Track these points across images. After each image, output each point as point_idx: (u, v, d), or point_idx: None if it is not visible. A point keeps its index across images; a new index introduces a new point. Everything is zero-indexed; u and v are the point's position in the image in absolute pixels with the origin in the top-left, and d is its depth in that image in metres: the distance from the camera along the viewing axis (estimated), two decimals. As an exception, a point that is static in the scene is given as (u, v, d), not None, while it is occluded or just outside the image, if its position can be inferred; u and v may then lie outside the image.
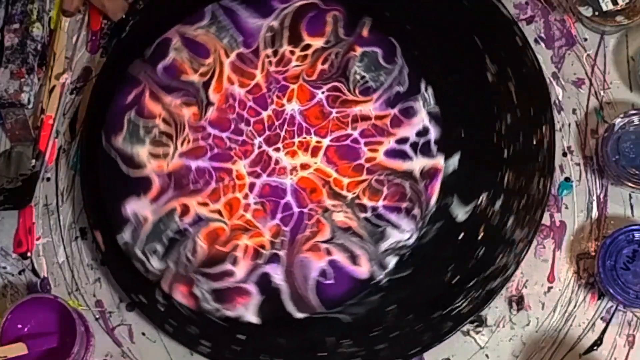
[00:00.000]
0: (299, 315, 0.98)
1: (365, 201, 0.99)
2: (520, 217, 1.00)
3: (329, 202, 0.99)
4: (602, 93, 1.04)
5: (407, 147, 0.99)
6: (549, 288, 1.00)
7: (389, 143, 1.00)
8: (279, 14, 1.04)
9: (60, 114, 1.10)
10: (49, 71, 1.11)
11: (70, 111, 1.10)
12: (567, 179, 1.02)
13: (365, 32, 1.02)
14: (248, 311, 0.98)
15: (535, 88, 1.03)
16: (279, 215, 1.00)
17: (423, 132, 0.99)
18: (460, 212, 1.00)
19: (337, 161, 1.00)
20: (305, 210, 1.00)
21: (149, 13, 1.10)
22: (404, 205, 0.98)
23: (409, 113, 1.00)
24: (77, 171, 1.08)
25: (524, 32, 1.04)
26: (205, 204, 1.01)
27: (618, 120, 0.99)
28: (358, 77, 1.01)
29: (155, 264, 1.00)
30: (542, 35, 1.06)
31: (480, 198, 1.00)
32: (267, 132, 1.02)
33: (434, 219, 0.99)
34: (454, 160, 1.00)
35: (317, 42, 1.03)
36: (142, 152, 1.03)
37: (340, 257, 0.98)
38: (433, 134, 0.99)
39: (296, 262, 0.98)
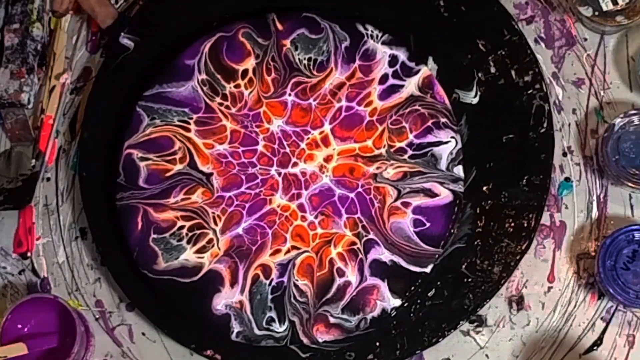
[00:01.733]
0: (428, 269, 1.00)
1: (398, 144, 1.02)
2: (515, 66, 1.04)
3: (371, 169, 1.02)
4: (602, 93, 1.04)
5: (392, 80, 1.03)
6: (549, 288, 1.00)
7: (376, 88, 1.03)
8: (199, 67, 1.04)
9: (60, 114, 1.10)
10: (49, 71, 1.11)
11: (70, 111, 1.10)
12: (567, 179, 1.02)
13: (279, 26, 1.04)
14: (386, 300, 0.99)
15: None
16: (343, 210, 1.01)
17: (392, 60, 1.04)
18: (471, 97, 1.04)
19: (349, 134, 1.03)
20: (360, 189, 1.01)
21: (93, 142, 1.08)
22: (430, 122, 1.02)
23: (369, 55, 1.04)
24: (77, 172, 1.08)
25: (524, 32, 1.05)
26: (277, 252, 1.01)
27: (618, 120, 0.99)
28: (305, 61, 1.04)
29: (280, 329, 1.00)
30: (542, 35, 1.06)
31: (476, 74, 1.04)
32: (275, 158, 1.03)
33: (459, 116, 1.03)
34: (431, 63, 1.05)
35: (250, 63, 1.04)
36: (189, 256, 1.01)
37: (418, 200, 1.01)
38: (402, 55, 1.04)
39: (389, 232, 1.00)
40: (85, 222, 1.06)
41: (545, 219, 1.01)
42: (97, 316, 1.04)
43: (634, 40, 1.04)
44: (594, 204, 1.01)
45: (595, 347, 0.99)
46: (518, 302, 1.00)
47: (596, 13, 1.02)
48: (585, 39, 1.05)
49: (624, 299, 0.96)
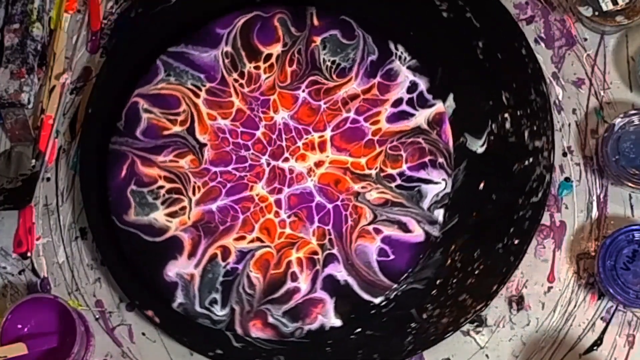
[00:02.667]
0: (377, 300, 0.99)
1: (390, 170, 1.01)
2: (532, 127, 1.02)
3: (357, 186, 1.01)
4: (602, 93, 1.04)
5: (404, 107, 1.02)
6: (549, 288, 1.00)
7: (387, 110, 1.02)
8: (227, 39, 1.04)
9: (60, 114, 1.10)
10: (49, 71, 1.11)
11: (70, 111, 1.10)
12: (567, 179, 1.02)
13: (316, 21, 1.04)
14: (327, 317, 0.99)
15: (490, 6, 1.05)
16: (316, 218, 1.01)
17: (412, 87, 1.02)
18: (478, 145, 1.02)
19: (346, 146, 1.02)
20: (338, 203, 1.01)
21: (107, 82, 1.09)
22: (427, 159, 1.01)
23: (391, 75, 1.02)
24: (77, 172, 1.08)
25: (524, 32, 1.04)
26: (242, 238, 1.01)
27: (618, 120, 0.99)
28: (329, 63, 1.03)
29: (219, 312, 1.00)
30: (542, 35, 1.06)
31: (490, 125, 1.03)
32: (269, 148, 1.03)
33: (457, 161, 1.01)
34: (450, 101, 1.03)
35: (276, 49, 1.04)
36: (159, 216, 1.02)
37: (390, 231, 0.99)
38: (422, 85, 1.02)
39: (353, 253, 0.99)
40: (85, 222, 1.06)
41: (545, 219, 1.01)
42: (97, 316, 1.04)
43: (634, 40, 1.04)
44: (594, 204, 1.01)
45: (595, 347, 0.99)
46: (518, 302, 1.00)
47: (596, 13, 1.02)
48: (585, 39, 1.05)
49: (624, 299, 0.96)
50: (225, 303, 1.00)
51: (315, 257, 1.00)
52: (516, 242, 1.00)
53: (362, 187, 1.00)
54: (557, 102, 1.04)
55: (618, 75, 1.04)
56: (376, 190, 1.00)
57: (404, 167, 1.01)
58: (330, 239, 1.00)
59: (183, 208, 1.02)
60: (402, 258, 0.99)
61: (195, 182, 1.02)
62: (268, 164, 1.02)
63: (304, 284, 0.99)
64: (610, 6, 1.02)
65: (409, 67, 1.02)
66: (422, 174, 1.00)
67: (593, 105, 1.04)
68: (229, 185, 1.02)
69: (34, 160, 1.08)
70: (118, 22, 1.12)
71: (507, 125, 1.03)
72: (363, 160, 1.01)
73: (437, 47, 1.05)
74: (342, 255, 0.99)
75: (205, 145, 1.03)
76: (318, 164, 1.02)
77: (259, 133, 1.03)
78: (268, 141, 1.03)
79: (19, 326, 1.00)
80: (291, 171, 1.02)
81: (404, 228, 0.99)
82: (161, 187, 1.02)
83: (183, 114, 1.04)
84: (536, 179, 1.01)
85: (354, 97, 1.02)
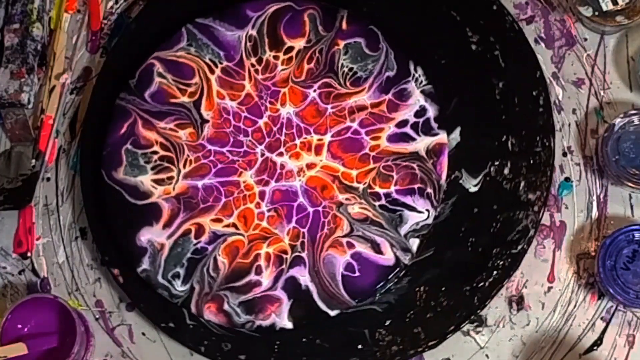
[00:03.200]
0: (333, 312, 0.98)
1: (377, 189, 1.00)
2: (530, 179, 1.01)
3: (341, 197, 1.00)
4: (602, 93, 1.04)
5: (408, 129, 1.01)
6: (549, 288, 1.00)
7: (390, 128, 1.01)
8: (255, 22, 1.04)
9: (60, 114, 1.10)
10: (49, 71, 1.11)
11: (70, 111, 1.10)
12: (567, 179, 1.02)
13: (344, 25, 1.03)
14: (280, 317, 0.98)
15: (520, 50, 1.04)
16: (294, 218, 1.00)
17: (421, 111, 1.01)
18: (472, 184, 1.01)
19: (342, 155, 1.01)
20: (320, 208, 1.00)
21: (128, 42, 1.09)
22: (417, 186, 0.99)
23: (403, 95, 1.01)
24: (77, 172, 1.08)
25: (524, 32, 1.04)
26: (218, 220, 1.01)
27: (618, 120, 0.99)
28: (346, 69, 1.02)
29: (179, 287, 1.00)
30: (542, 35, 1.06)
31: (488, 167, 1.02)
32: (267, 139, 1.02)
33: (447, 195, 1.00)
34: (456, 134, 1.02)
35: (299, 43, 1.04)
36: (146, 180, 1.03)
37: (363, 248, 0.99)
38: (431, 112, 1.01)
39: (320, 261, 0.99)
40: (85, 222, 1.06)
41: (545, 219, 1.01)
42: (97, 316, 1.04)
43: (634, 40, 1.04)
44: (594, 204, 1.01)
45: (595, 347, 0.99)
46: (518, 302, 1.00)
47: (596, 13, 1.02)
48: (585, 39, 1.05)
49: (624, 299, 0.96)
50: (186, 280, 1.00)
51: (284, 256, 0.99)
52: (484, 290, 0.99)
53: (347, 199, 1.00)
54: (557, 102, 1.04)
55: (618, 75, 1.04)
56: (359, 205, 1.00)
57: (392, 188, 1.00)
58: (302, 242, 0.99)
59: (170, 178, 1.02)
60: (367, 277, 0.98)
61: (188, 156, 1.03)
62: (262, 155, 1.02)
63: (266, 279, 0.99)
64: (610, 6, 1.02)
65: (422, 92, 1.01)
66: (407, 200, 0.99)
67: (593, 105, 1.04)
68: (219, 165, 1.02)
69: (34, 160, 1.08)
70: (118, 22, 1.12)
71: (506, 171, 1.01)
72: (354, 173, 1.01)
73: (456, 78, 1.04)
74: (310, 261, 0.99)
75: (207, 121, 1.03)
76: (310, 166, 1.01)
77: (261, 122, 1.03)
78: (268, 132, 1.03)
79: (19, 326, 1.00)
80: (282, 167, 1.02)
81: (377, 249, 0.99)
82: (155, 152, 1.03)
83: (194, 86, 1.04)
84: (520, 232, 1.00)
85: (361, 108, 1.02)
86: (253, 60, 1.04)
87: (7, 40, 1.09)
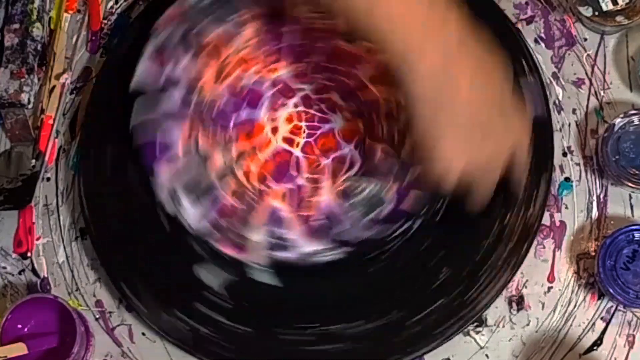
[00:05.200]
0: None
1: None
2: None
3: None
4: (602, 93, 1.04)
5: None
6: (549, 288, 1.00)
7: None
8: None
9: (60, 114, 1.10)
10: (49, 71, 1.11)
11: (70, 111, 1.10)
12: (567, 179, 1.02)
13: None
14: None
15: None
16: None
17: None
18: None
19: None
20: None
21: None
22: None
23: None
24: (77, 172, 1.08)
25: (524, 32, 1.04)
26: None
27: (618, 120, 0.99)
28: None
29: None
30: (542, 35, 1.06)
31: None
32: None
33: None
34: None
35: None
36: None
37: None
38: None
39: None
40: (84, 223, 1.06)
41: (545, 219, 1.01)
42: (97, 316, 1.04)
43: (634, 40, 1.04)
44: (594, 204, 1.01)
45: (595, 347, 0.99)
46: (518, 302, 1.00)
47: (596, 13, 1.02)
48: (585, 39, 1.05)
49: (624, 299, 0.96)
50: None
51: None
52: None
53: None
54: (557, 102, 1.04)
55: (618, 75, 1.04)
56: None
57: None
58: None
59: None
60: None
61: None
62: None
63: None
64: (610, 6, 1.02)
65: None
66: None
67: (593, 105, 1.04)
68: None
69: (34, 160, 1.08)
70: (118, 22, 1.12)
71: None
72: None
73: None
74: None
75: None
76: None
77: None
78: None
79: (19, 326, 1.00)
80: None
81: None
82: None
83: None
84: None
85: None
86: None
87: (7, 40, 1.09)
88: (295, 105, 1.03)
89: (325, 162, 1.01)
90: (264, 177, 1.01)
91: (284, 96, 1.03)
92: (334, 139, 1.02)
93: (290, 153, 1.02)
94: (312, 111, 1.03)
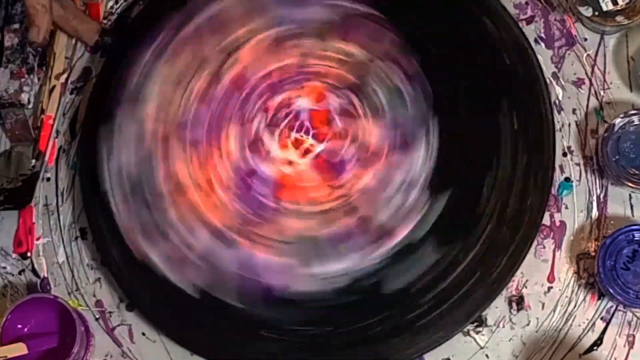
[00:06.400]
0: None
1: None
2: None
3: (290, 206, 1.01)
4: (602, 93, 1.04)
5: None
6: (549, 288, 1.00)
7: (367, 178, 1.00)
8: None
9: (60, 114, 1.10)
10: (49, 71, 1.11)
11: (70, 111, 1.10)
12: (567, 179, 1.02)
13: (407, 66, 1.01)
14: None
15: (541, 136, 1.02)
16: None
17: (406, 186, 0.99)
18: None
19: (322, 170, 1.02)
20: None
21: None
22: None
23: (408, 147, 1.00)
24: (77, 171, 1.08)
25: (524, 32, 1.04)
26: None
27: (618, 120, 0.99)
28: (376, 98, 1.01)
29: None
30: (542, 35, 1.06)
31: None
32: (270, 115, 1.03)
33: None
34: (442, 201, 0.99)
35: (359, 53, 1.03)
36: None
37: None
38: (424, 173, 0.99)
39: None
40: (85, 222, 1.06)
41: (545, 219, 1.01)
42: (97, 316, 1.04)
43: (634, 40, 1.04)
44: (594, 204, 1.01)
45: (595, 347, 0.99)
46: (518, 302, 1.00)
47: (596, 13, 1.02)
48: (585, 39, 1.05)
49: (624, 299, 0.96)
50: None
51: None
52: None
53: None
54: (557, 102, 1.04)
55: (618, 75, 1.04)
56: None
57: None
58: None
59: None
60: None
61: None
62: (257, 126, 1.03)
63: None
64: (610, 6, 1.02)
65: (428, 146, 1.00)
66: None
67: (593, 105, 1.04)
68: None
69: (34, 160, 1.08)
70: (118, 22, 1.12)
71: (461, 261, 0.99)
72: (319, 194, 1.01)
73: (465, 149, 1.00)
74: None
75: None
76: (290, 163, 1.02)
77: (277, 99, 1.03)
78: (276, 110, 1.03)
79: (19, 326, 1.00)
80: (268, 151, 1.03)
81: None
82: None
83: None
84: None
85: (362, 142, 1.01)
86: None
87: (7, 40, 1.09)
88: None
89: None
90: None
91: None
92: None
93: None
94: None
